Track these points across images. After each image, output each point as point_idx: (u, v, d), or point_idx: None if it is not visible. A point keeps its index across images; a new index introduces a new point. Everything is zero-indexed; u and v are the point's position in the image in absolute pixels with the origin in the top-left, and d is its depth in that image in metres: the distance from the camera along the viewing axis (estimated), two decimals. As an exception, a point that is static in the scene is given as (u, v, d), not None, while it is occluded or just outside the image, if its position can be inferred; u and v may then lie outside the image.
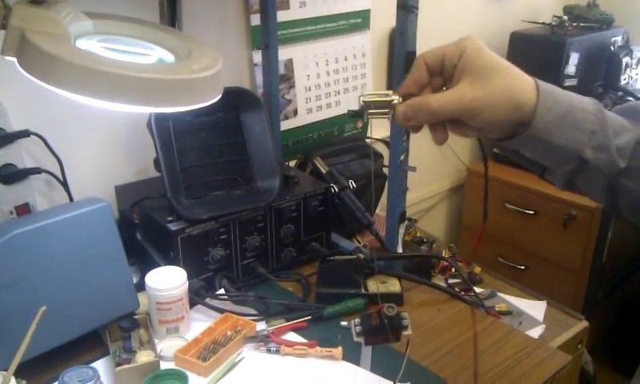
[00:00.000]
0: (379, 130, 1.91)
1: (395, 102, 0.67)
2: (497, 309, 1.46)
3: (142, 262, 1.23)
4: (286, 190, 1.33)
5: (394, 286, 1.28)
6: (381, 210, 1.78)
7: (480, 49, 0.64)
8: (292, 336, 1.12)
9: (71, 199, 1.30)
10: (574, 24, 2.32)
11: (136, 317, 1.08)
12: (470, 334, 1.15)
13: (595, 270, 2.16)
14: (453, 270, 1.56)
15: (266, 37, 1.49)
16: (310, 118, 1.78)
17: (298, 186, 1.35)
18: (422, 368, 1.05)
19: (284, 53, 1.64)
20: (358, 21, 1.82)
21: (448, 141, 0.68)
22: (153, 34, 0.93)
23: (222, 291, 1.21)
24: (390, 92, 0.68)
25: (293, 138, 1.75)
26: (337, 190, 1.42)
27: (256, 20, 1.54)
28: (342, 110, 1.85)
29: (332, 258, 1.28)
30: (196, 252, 1.19)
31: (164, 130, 1.21)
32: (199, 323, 1.14)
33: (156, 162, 1.21)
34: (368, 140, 1.87)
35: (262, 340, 1.09)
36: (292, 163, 1.67)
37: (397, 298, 1.25)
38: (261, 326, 1.14)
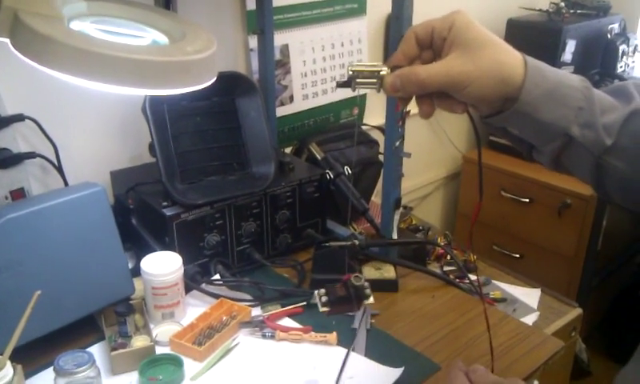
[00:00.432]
0: (375, 116, 1.91)
1: (383, 72, 0.67)
2: (491, 296, 1.47)
3: (138, 247, 1.23)
4: (282, 176, 1.32)
5: (388, 272, 1.28)
6: (376, 196, 1.78)
7: (469, 23, 0.64)
8: (287, 321, 1.13)
9: (66, 184, 1.29)
10: (571, 11, 2.31)
11: (131, 302, 1.08)
12: (463, 320, 1.16)
13: (590, 257, 2.17)
14: (448, 257, 1.56)
15: (262, 21, 1.48)
16: (306, 104, 1.77)
17: (293, 172, 1.35)
18: (417, 353, 1.05)
19: (280, 38, 1.63)
20: (354, 6, 1.81)
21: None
22: (147, 16, 0.92)
23: (217, 277, 1.21)
24: (380, 63, 0.68)
25: (289, 125, 1.74)
26: (332, 176, 1.41)
27: (251, 4, 1.53)
28: (338, 96, 1.84)
29: (327, 244, 1.28)
30: (191, 237, 1.19)
31: (159, 114, 1.21)
32: (195, 309, 1.14)
33: (151, 147, 1.20)
34: (364, 127, 1.87)
35: (257, 325, 1.09)
36: (288, 150, 1.66)
37: (392, 285, 1.25)
38: (256, 311, 1.14)
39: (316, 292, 0.91)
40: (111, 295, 1.07)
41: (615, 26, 2.39)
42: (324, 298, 0.90)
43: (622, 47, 2.34)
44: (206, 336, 1.05)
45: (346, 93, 1.84)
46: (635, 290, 2.53)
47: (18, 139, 1.23)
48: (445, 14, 0.65)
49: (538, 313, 1.48)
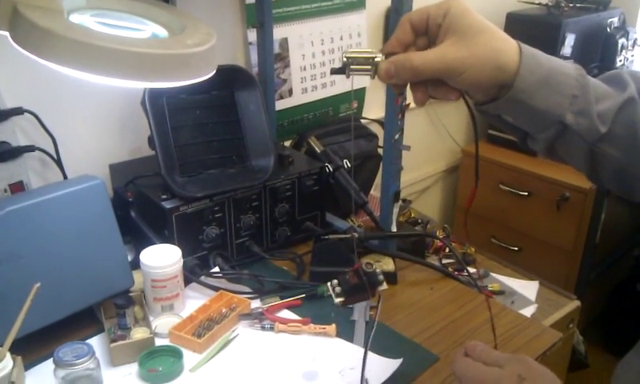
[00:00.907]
0: (374, 110, 1.91)
1: (378, 59, 0.67)
2: (489, 288, 1.48)
3: (137, 240, 1.23)
4: (281, 169, 1.32)
5: (387, 265, 1.28)
6: (375, 189, 1.78)
7: (465, 9, 0.64)
8: (286, 313, 1.13)
9: (65, 177, 1.29)
10: (571, 5, 2.31)
11: (131, 294, 1.09)
12: (462, 312, 1.16)
13: (588, 250, 2.18)
14: (447, 250, 1.57)
15: (261, 15, 1.48)
16: (305, 97, 1.77)
17: (292, 165, 1.35)
18: (416, 345, 1.06)
19: (279, 31, 1.63)
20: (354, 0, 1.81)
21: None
22: (146, 10, 0.92)
23: (216, 269, 1.21)
24: (374, 50, 0.68)
25: (288, 118, 1.74)
26: (331, 169, 1.42)
27: (251, -2, 1.53)
28: (337, 90, 1.84)
29: (326, 237, 1.29)
30: (190, 230, 1.19)
31: (158, 107, 1.21)
32: (194, 301, 1.14)
33: (150, 140, 1.20)
34: (363, 120, 1.87)
35: (256, 317, 1.10)
36: (287, 143, 1.67)
37: (391, 277, 1.25)
38: (255, 303, 1.15)
39: (328, 284, 0.91)
40: (111, 288, 1.07)
41: (615, 20, 2.39)
42: (338, 289, 0.90)
43: (622, 41, 2.34)
44: (205, 328, 1.06)
45: (345, 86, 1.85)
46: (633, 283, 2.54)
47: (17, 132, 1.24)
48: (440, 1, 0.65)
49: (536, 305, 1.49)
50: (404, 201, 1.79)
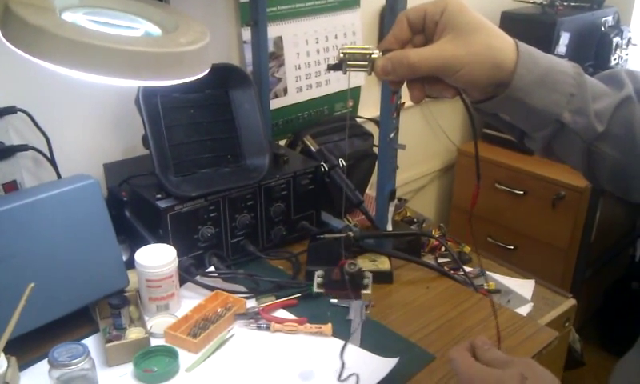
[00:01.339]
0: (369, 109, 1.91)
1: (375, 55, 0.67)
2: (485, 287, 1.47)
3: (132, 239, 1.23)
4: (276, 168, 1.32)
5: (383, 264, 1.28)
6: (371, 189, 1.78)
7: (462, 7, 0.63)
8: (282, 313, 1.13)
9: (59, 177, 1.29)
10: (565, 3, 2.31)
11: (126, 294, 1.08)
12: (458, 311, 1.16)
13: (583, 249, 2.18)
14: (442, 249, 1.57)
15: (255, 13, 1.47)
16: (300, 96, 1.77)
17: (287, 165, 1.35)
18: (411, 344, 1.06)
19: (273, 30, 1.62)
20: (349, -2, 1.81)
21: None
22: (139, 8, 0.91)
23: (212, 269, 1.20)
24: (371, 46, 0.68)
25: (283, 117, 1.74)
26: (327, 168, 1.41)
27: (245, -4, 1.52)
28: (332, 89, 1.84)
29: (322, 236, 1.28)
30: (186, 230, 1.19)
31: (152, 106, 1.20)
32: (189, 301, 1.14)
33: (144, 139, 1.20)
34: (358, 119, 1.87)
35: (252, 317, 1.10)
36: (282, 142, 1.66)
37: (386, 276, 1.25)
38: (251, 303, 1.14)
39: (316, 272, 0.91)
40: (105, 287, 1.07)
41: (609, 19, 2.39)
42: (319, 280, 0.90)
43: (616, 40, 2.34)
44: (200, 328, 1.05)
45: (341, 85, 1.84)
46: (628, 281, 2.55)
47: (10, 131, 1.23)
48: None
49: (531, 304, 1.49)
50: (399, 200, 1.78)
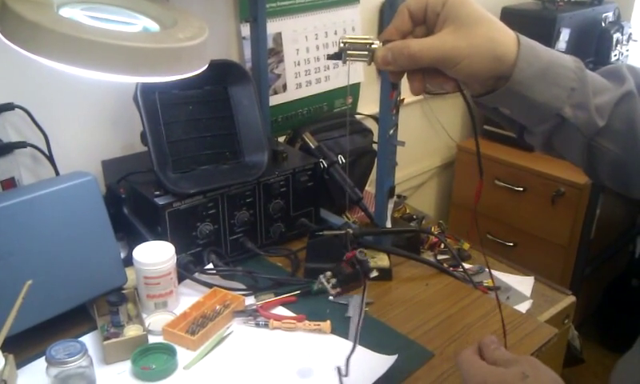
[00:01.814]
0: (369, 105, 1.90)
1: (375, 45, 0.66)
2: (485, 284, 1.47)
3: (130, 237, 1.22)
4: (275, 164, 1.32)
5: (382, 261, 1.28)
6: (370, 185, 1.77)
7: None
8: (281, 310, 1.12)
9: (57, 174, 1.28)
10: None
11: (124, 291, 1.08)
12: (457, 308, 1.16)
13: (583, 246, 2.18)
14: (442, 246, 1.56)
15: (254, 9, 1.47)
16: (300, 93, 1.76)
17: (286, 161, 1.34)
18: (410, 341, 1.05)
19: (273, 26, 1.62)
20: (348, -6, 1.80)
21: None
22: (137, 3, 0.91)
23: (210, 266, 1.20)
24: (372, 37, 0.67)
25: (282, 114, 1.74)
26: (326, 165, 1.41)
27: (244, -8, 1.52)
28: (331, 85, 1.83)
29: (321, 233, 1.28)
30: (184, 227, 1.18)
31: (150, 102, 1.20)
32: (188, 298, 1.13)
33: (142, 136, 1.19)
34: (358, 116, 1.87)
35: (250, 314, 1.09)
36: (281, 139, 1.66)
37: (385, 273, 1.25)
38: (249, 300, 1.14)
39: (321, 276, 0.90)
40: (103, 285, 1.06)
41: (609, 15, 2.39)
42: (333, 281, 0.89)
43: (616, 36, 2.34)
44: (199, 325, 1.05)
45: (340, 81, 1.84)
46: (628, 279, 2.55)
47: (8, 128, 1.22)
48: None
49: (531, 300, 1.49)
50: (399, 196, 1.78)
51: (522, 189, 2.25)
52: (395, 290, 1.22)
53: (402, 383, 0.96)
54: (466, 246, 1.67)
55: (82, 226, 1.04)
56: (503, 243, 2.34)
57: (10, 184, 1.22)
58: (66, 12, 0.84)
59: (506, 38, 0.63)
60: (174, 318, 1.06)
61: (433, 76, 0.66)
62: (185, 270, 1.16)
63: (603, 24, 2.35)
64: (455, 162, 2.48)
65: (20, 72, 1.21)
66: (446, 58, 0.63)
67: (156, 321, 1.07)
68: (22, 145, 1.24)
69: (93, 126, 1.39)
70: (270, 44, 1.63)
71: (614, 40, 2.33)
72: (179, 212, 1.16)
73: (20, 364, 0.95)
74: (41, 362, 0.92)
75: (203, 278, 1.17)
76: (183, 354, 1.00)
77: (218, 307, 1.10)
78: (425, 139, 2.38)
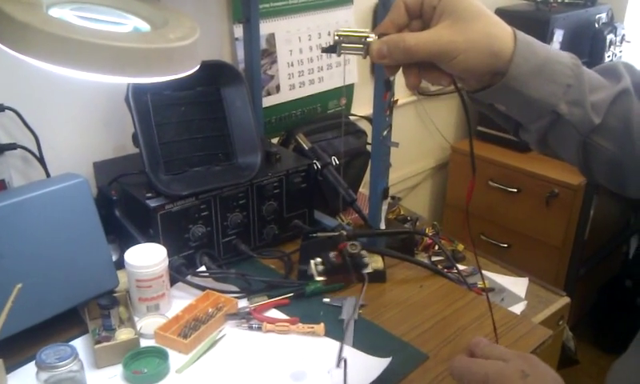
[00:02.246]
0: (363, 107, 1.90)
1: (370, 39, 0.66)
2: (479, 285, 1.47)
3: (122, 239, 1.21)
4: (268, 166, 1.31)
5: (376, 262, 1.27)
6: (364, 187, 1.77)
7: None
8: (274, 313, 1.12)
9: (48, 176, 1.27)
10: (559, 1, 2.32)
11: (115, 294, 1.07)
12: (451, 310, 1.15)
13: (577, 247, 2.18)
14: (436, 247, 1.56)
15: (247, 10, 1.46)
16: (293, 94, 1.75)
17: (280, 163, 1.33)
18: (405, 343, 1.05)
19: (266, 27, 1.61)
20: (342, -5, 1.80)
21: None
22: (128, 3, 0.90)
23: (203, 269, 1.19)
24: (367, 30, 0.67)
25: (275, 115, 1.73)
26: (319, 166, 1.40)
27: (237, -8, 1.51)
28: (325, 86, 1.83)
29: (314, 235, 1.27)
30: (176, 229, 1.17)
31: (142, 104, 1.19)
32: (180, 301, 1.12)
33: (134, 137, 1.18)
34: (352, 117, 1.86)
35: (243, 317, 1.08)
36: (274, 140, 1.65)
37: (380, 275, 1.24)
38: (242, 303, 1.13)
39: (312, 261, 0.88)
40: (95, 288, 1.05)
41: (603, 16, 2.39)
42: (320, 267, 0.88)
43: (610, 37, 2.34)
44: (191, 328, 1.04)
45: (334, 82, 1.83)
46: (622, 279, 2.55)
47: (-2, 130, 1.21)
48: None
49: (525, 302, 1.49)
50: (393, 198, 1.77)
51: (516, 190, 2.25)
52: (389, 292, 1.22)
53: (396, 386, 0.95)
54: (461, 247, 1.67)
55: (73, 229, 1.03)
56: (497, 244, 2.34)
57: (1, 186, 1.21)
58: (55, 12, 0.83)
59: (503, 33, 0.62)
60: (166, 322, 1.05)
61: (428, 70, 0.65)
62: (177, 273, 1.15)
63: (597, 25, 2.36)
64: (449, 163, 2.48)
65: (10, 73, 1.20)
66: (442, 53, 0.62)
67: (148, 324, 1.06)
68: (13, 146, 1.22)
69: (84, 127, 1.37)
70: (264, 45, 1.62)
71: (608, 41, 2.33)
72: (171, 214, 1.16)
73: (10, 368, 0.94)
74: (31, 367, 0.91)
75: (196, 280, 1.16)
76: (175, 358, 0.99)
77: (210, 310, 1.09)
78: (419, 140, 2.37)
